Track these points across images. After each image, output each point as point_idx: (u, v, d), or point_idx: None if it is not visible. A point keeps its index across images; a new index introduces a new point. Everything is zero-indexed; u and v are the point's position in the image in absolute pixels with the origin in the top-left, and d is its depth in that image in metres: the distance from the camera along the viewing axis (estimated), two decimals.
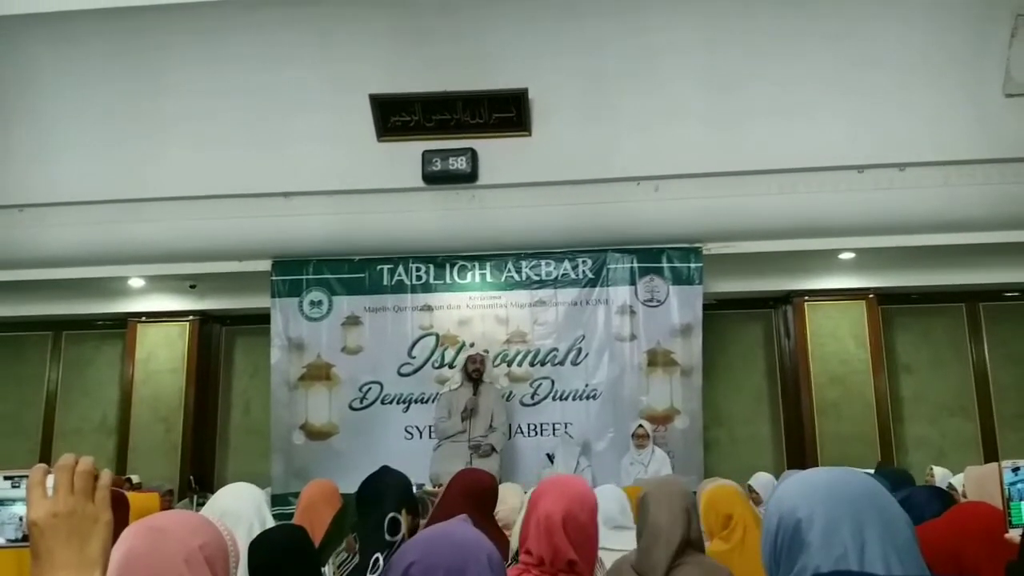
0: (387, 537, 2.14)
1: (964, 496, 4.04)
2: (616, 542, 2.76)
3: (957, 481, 4.34)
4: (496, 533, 2.87)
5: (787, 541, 1.12)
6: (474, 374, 6.13)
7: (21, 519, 1.00)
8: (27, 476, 0.96)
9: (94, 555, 0.93)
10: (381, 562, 2.07)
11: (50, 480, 0.93)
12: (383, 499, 2.22)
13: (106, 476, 0.96)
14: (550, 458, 6.27)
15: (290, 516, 4.26)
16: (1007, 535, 1.78)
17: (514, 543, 2.67)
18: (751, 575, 1.56)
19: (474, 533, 1.35)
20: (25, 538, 0.99)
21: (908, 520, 1.11)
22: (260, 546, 1.98)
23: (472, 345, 6.54)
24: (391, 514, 2.15)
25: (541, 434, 6.48)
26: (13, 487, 1.02)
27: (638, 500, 2.22)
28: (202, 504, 3.96)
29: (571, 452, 6.16)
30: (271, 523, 2.20)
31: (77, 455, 0.95)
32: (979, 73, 5.60)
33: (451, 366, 6.57)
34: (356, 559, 2.17)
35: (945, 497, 2.60)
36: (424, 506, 3.50)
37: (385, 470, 2.38)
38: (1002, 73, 5.55)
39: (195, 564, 1.33)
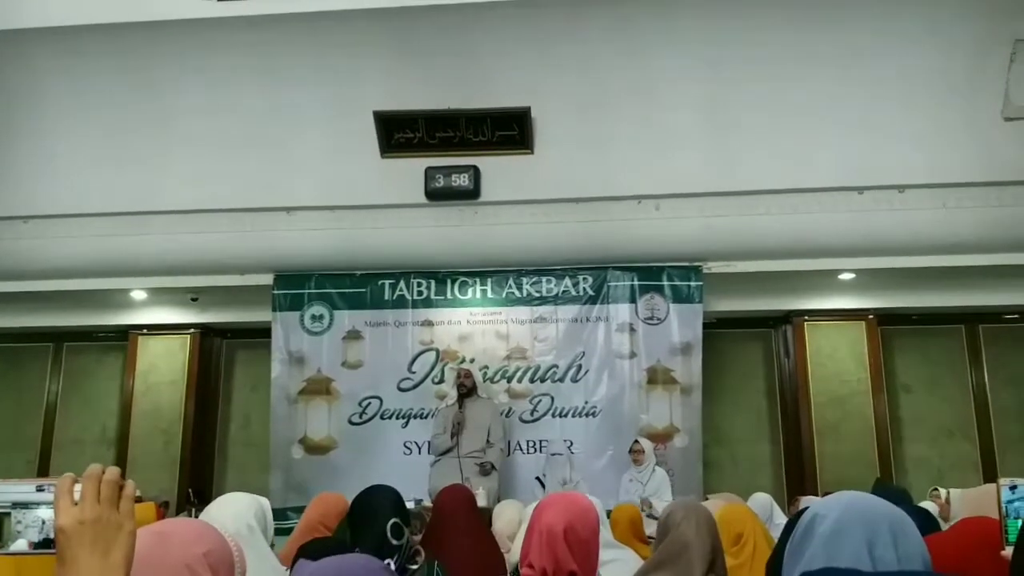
0: (393, 542, 2.14)
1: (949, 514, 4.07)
2: None
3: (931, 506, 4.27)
4: (490, 543, 2.89)
5: (800, 533, 1.25)
6: (460, 388, 6.10)
7: (44, 523, 1.04)
8: (55, 484, 0.99)
9: (117, 562, 0.96)
10: (392, 566, 2.07)
11: (77, 488, 0.97)
12: (378, 512, 2.23)
13: (130, 486, 1.00)
14: (541, 483, 6.12)
15: (288, 531, 4.23)
16: (1003, 552, 1.79)
17: (514, 558, 2.68)
18: None
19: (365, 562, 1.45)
20: (49, 543, 1.03)
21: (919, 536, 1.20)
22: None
23: (472, 360, 6.55)
24: (392, 519, 2.15)
25: (540, 451, 6.44)
26: (38, 491, 1.06)
27: (662, 515, 2.24)
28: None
29: (561, 469, 6.00)
30: (271, 531, 2.19)
31: (103, 465, 0.99)
32: (978, 96, 5.64)
33: None
34: None
35: (924, 514, 2.68)
36: (423, 521, 3.49)
37: (374, 487, 2.40)
38: (1001, 97, 5.60)
39: (198, 570, 1.32)
